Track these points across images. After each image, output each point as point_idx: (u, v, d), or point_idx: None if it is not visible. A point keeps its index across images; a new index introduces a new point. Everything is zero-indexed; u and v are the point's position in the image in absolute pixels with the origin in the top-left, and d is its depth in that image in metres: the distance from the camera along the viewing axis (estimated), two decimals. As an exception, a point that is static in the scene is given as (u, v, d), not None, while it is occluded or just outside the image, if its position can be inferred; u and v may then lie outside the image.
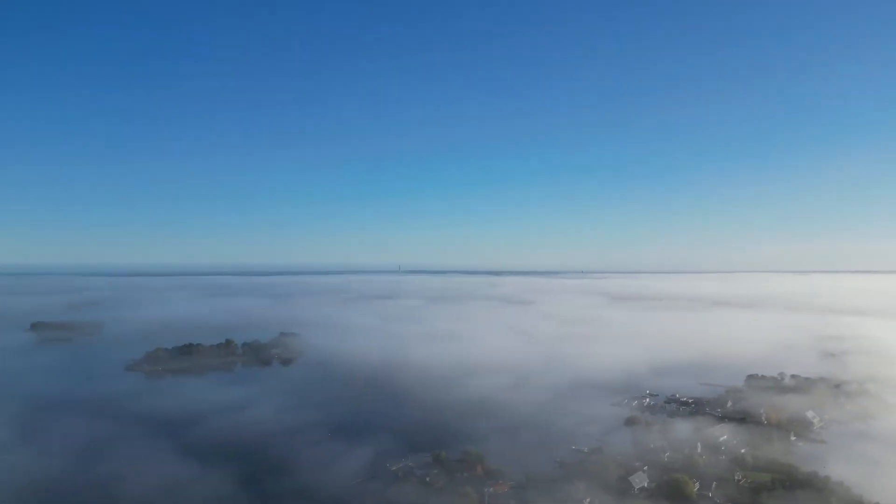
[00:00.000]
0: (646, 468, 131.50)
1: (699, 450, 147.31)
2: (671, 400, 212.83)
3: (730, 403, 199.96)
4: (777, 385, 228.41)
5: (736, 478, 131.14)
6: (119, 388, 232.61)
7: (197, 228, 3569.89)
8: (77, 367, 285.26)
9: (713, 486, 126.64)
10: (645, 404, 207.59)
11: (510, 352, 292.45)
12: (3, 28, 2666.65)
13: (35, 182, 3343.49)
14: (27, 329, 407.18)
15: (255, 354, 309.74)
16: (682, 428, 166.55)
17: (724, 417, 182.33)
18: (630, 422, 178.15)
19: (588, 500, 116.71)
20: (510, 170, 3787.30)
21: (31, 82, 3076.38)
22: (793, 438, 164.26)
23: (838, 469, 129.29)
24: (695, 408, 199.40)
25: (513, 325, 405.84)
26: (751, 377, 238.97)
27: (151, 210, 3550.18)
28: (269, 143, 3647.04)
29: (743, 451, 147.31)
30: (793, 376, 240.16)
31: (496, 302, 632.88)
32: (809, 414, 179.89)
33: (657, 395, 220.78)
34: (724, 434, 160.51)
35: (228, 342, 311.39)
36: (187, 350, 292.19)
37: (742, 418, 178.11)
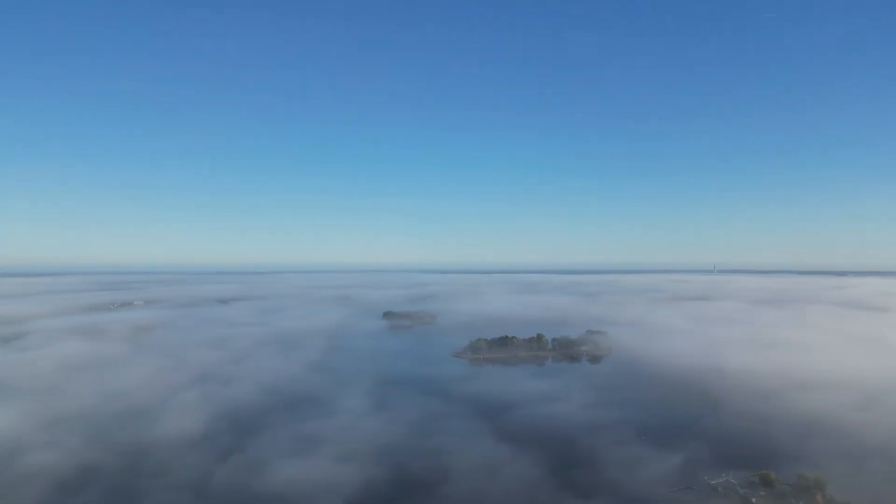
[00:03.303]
0: None
1: None
2: None
3: None
4: None
5: None
6: (447, 371, 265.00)
7: (515, 231, 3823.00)
8: (416, 351, 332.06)
9: None
10: None
11: (857, 365, 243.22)
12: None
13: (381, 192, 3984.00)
14: (380, 317, 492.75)
15: (564, 350, 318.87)
16: None
17: None
18: None
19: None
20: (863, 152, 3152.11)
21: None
22: None
23: None
24: None
25: (862, 335, 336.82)
26: None
27: (473, 215, 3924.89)
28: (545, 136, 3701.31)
29: None
30: None
31: (839, 306, 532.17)
32: None
33: None
34: None
35: (539, 336, 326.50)
36: (504, 342, 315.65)
37: None
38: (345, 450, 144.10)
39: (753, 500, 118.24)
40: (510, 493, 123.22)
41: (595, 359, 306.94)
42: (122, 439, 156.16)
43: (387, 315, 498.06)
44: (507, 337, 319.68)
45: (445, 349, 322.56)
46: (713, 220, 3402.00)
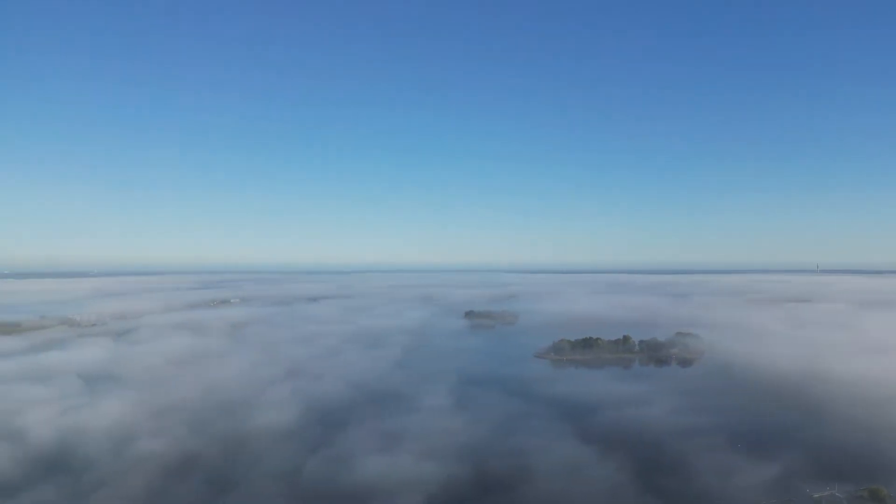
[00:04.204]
0: None
1: None
2: None
3: None
4: None
5: None
6: (529, 372, 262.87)
7: (602, 229, 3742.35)
8: (497, 351, 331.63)
9: None
10: None
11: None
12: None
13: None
14: (462, 316, 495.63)
15: (652, 352, 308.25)
16: None
17: None
18: None
19: None
20: None
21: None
22: None
23: None
24: None
25: None
26: None
27: (549, 217, 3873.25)
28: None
29: None
30: None
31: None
32: None
33: None
34: None
35: (626, 338, 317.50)
36: (587, 343, 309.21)
37: None
38: (427, 447, 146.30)
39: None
40: (593, 496, 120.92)
41: (685, 362, 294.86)
42: (220, 429, 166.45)
43: (468, 315, 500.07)
44: (591, 338, 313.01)
45: (527, 349, 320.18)
46: (816, 216, 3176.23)
